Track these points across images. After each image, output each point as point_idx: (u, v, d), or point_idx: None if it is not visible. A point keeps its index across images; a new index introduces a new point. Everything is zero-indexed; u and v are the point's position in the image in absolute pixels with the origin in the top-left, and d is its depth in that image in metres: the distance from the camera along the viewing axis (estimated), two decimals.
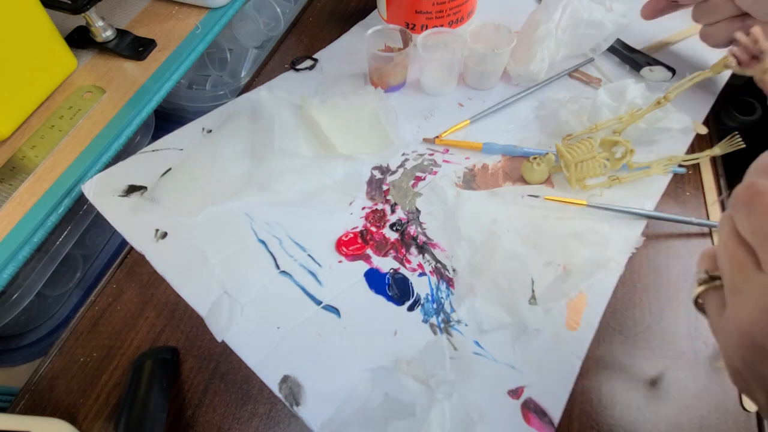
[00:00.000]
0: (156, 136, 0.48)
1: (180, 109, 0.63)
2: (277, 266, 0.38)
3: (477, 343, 0.34)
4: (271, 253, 0.39)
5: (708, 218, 0.41)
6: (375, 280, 0.37)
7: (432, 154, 0.45)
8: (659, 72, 0.50)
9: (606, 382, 0.34)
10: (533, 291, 0.36)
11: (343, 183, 0.43)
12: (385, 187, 0.43)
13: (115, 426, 0.31)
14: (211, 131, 0.47)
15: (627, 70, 0.51)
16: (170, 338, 0.36)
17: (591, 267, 0.37)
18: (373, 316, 0.36)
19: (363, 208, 0.42)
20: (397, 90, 0.51)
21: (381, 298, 0.37)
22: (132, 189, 0.43)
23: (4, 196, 0.41)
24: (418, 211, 0.41)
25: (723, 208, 0.42)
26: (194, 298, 0.37)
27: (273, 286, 0.37)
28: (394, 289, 0.37)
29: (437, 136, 0.46)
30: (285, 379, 0.33)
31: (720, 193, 0.43)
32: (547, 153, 0.42)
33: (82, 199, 0.43)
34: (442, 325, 0.35)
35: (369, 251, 0.39)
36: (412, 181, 0.43)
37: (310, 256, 0.39)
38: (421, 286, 0.37)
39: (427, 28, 0.49)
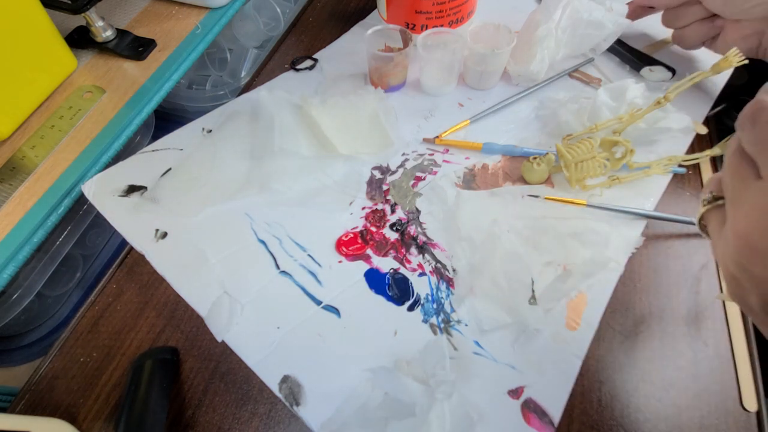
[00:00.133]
0: (156, 136, 0.48)
1: (180, 109, 0.63)
2: (277, 266, 0.38)
3: (477, 343, 0.34)
4: (271, 253, 0.39)
5: None
6: (375, 280, 0.37)
7: (432, 154, 0.45)
8: (659, 72, 0.50)
9: (606, 382, 0.34)
10: (533, 291, 0.35)
11: (343, 183, 0.43)
12: (385, 187, 0.43)
13: (115, 426, 0.31)
14: (211, 131, 0.47)
15: (627, 70, 0.51)
16: (170, 338, 0.36)
17: (591, 267, 0.37)
18: (373, 316, 0.36)
19: (363, 208, 0.42)
20: (397, 90, 0.51)
21: (381, 298, 0.37)
22: (132, 189, 0.43)
23: (4, 196, 0.41)
24: (418, 211, 0.41)
25: None
26: (194, 298, 0.37)
27: (273, 286, 0.37)
28: (394, 289, 0.37)
29: (437, 136, 0.46)
30: (285, 379, 0.33)
31: None
32: (547, 153, 0.42)
33: (82, 199, 0.43)
34: (442, 325, 0.35)
35: (369, 251, 0.39)
36: (412, 181, 0.43)
37: (310, 256, 0.39)
38: (421, 286, 0.37)
39: (427, 28, 0.49)
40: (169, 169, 0.43)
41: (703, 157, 0.42)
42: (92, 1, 0.47)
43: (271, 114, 0.44)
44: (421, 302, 0.36)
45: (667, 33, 0.54)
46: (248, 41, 0.64)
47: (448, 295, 0.37)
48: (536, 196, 0.41)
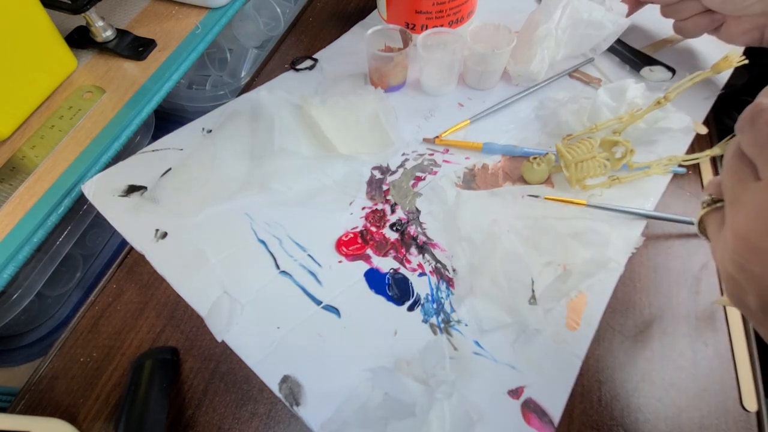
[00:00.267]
0: (156, 136, 0.48)
1: (180, 109, 0.63)
2: (277, 266, 0.38)
3: (477, 343, 0.34)
4: (271, 253, 0.39)
5: None
6: (375, 280, 0.37)
7: (432, 154, 0.45)
8: (659, 72, 0.50)
9: (606, 382, 0.34)
10: (533, 291, 0.35)
11: (343, 183, 0.43)
12: (385, 187, 0.43)
13: (115, 426, 0.31)
14: (211, 131, 0.47)
15: (627, 70, 0.51)
16: (170, 338, 0.36)
17: (591, 267, 0.37)
18: (373, 316, 0.36)
19: (363, 208, 0.42)
20: (397, 90, 0.51)
21: (381, 298, 0.37)
22: (132, 189, 0.43)
23: (4, 196, 0.41)
24: (418, 211, 0.41)
25: None
26: (194, 298, 0.37)
27: (273, 286, 0.37)
28: (394, 289, 0.37)
29: (437, 136, 0.46)
30: (285, 379, 0.33)
31: None
32: (547, 153, 0.42)
33: (82, 199, 0.43)
34: (442, 325, 0.35)
35: (369, 251, 0.39)
36: (412, 181, 0.43)
37: (310, 256, 0.39)
38: (421, 286, 0.37)
39: (427, 28, 0.49)
40: (169, 169, 0.43)
41: (703, 157, 0.42)
42: (92, 1, 0.47)
43: (271, 114, 0.44)
44: (421, 302, 0.36)
45: (667, 33, 0.55)
46: (248, 41, 0.64)
47: (448, 295, 0.37)
48: (536, 196, 0.41)
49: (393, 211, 0.41)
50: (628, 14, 0.49)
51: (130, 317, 0.38)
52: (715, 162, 0.45)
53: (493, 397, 0.32)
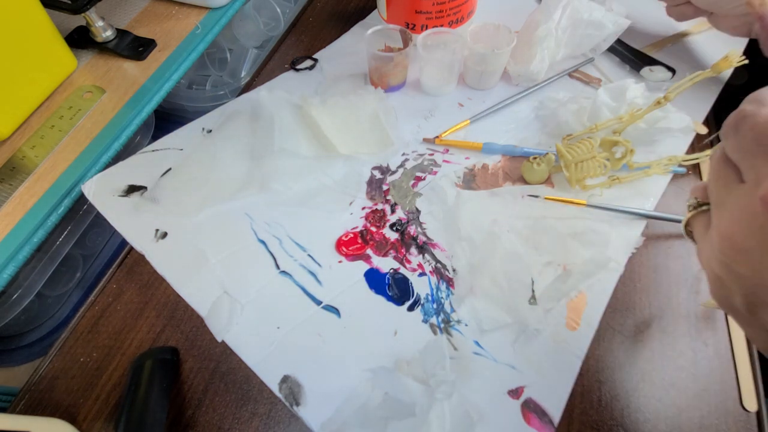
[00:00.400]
0: (156, 136, 0.48)
1: (180, 109, 0.63)
2: (277, 266, 0.38)
3: (477, 343, 0.34)
4: (271, 253, 0.39)
5: None
6: (375, 280, 0.37)
7: (432, 154, 0.45)
8: (659, 72, 0.50)
9: (606, 382, 0.34)
10: (533, 291, 0.36)
11: (343, 183, 0.43)
12: (385, 187, 0.43)
13: (115, 426, 0.31)
14: (211, 131, 0.47)
15: (627, 70, 0.51)
16: (170, 338, 0.36)
17: (591, 267, 0.37)
18: (373, 316, 0.36)
19: (363, 208, 0.42)
20: (397, 90, 0.51)
21: (381, 298, 0.37)
22: (132, 189, 0.43)
23: (4, 196, 0.41)
24: (418, 211, 0.41)
25: None
26: (194, 298, 0.37)
27: (273, 286, 0.37)
28: (394, 289, 0.37)
29: (437, 136, 0.46)
30: (285, 379, 0.33)
31: None
32: (547, 153, 0.42)
33: (82, 199, 0.43)
34: (442, 325, 0.35)
35: (369, 251, 0.39)
36: (412, 181, 0.43)
37: (310, 256, 0.39)
38: (421, 286, 0.37)
39: (427, 28, 0.49)
40: (169, 169, 0.43)
41: (703, 157, 0.42)
42: (92, 1, 0.47)
43: (271, 114, 0.44)
44: (421, 302, 0.36)
45: (667, 33, 0.55)
46: (248, 41, 0.64)
47: (448, 295, 0.37)
48: (536, 196, 0.41)
49: (393, 211, 0.41)
50: None
51: (130, 317, 0.38)
52: None
53: (493, 397, 0.32)
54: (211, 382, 0.34)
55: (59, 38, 0.47)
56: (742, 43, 0.53)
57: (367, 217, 0.41)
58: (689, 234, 0.25)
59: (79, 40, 0.52)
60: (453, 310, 0.36)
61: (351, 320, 0.36)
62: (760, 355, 0.35)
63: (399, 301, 0.36)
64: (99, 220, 0.45)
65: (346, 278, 0.37)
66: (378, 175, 0.44)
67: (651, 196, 0.42)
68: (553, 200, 0.40)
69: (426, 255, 0.39)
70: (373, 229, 0.40)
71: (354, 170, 0.44)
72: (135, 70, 0.51)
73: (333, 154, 0.44)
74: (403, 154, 0.45)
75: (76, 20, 0.51)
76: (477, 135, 0.46)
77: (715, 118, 0.48)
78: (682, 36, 0.54)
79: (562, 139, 0.43)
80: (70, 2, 0.46)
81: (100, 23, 0.51)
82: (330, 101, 0.46)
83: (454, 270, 0.38)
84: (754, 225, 0.18)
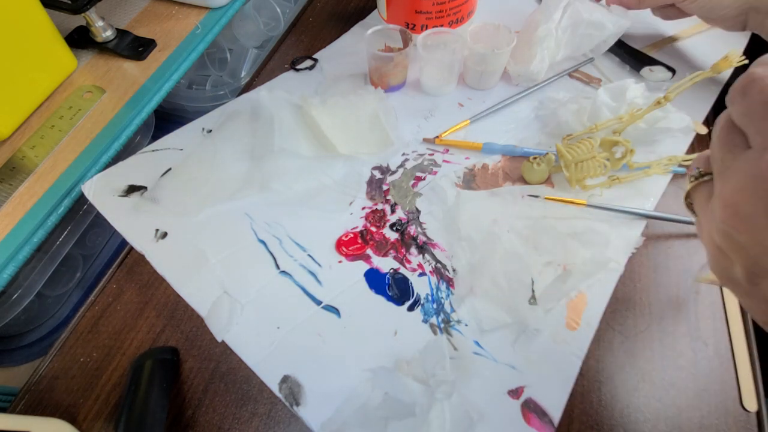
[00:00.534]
0: (156, 136, 0.48)
1: (180, 109, 0.63)
2: (277, 266, 0.38)
3: (477, 343, 0.34)
4: (271, 253, 0.39)
5: None
6: (375, 280, 0.37)
7: (432, 154, 0.45)
8: (659, 72, 0.50)
9: (606, 382, 0.34)
10: (533, 291, 0.36)
11: (343, 183, 0.43)
12: (385, 187, 0.43)
13: (115, 426, 0.31)
14: (211, 131, 0.47)
15: (627, 70, 0.51)
16: (170, 338, 0.36)
17: (591, 267, 0.37)
18: (373, 316, 0.36)
19: (363, 208, 0.42)
20: (397, 90, 0.51)
21: (381, 298, 0.37)
22: (132, 189, 0.43)
23: (4, 196, 0.41)
24: (418, 211, 0.41)
25: None
26: (194, 298, 0.37)
27: (273, 286, 0.37)
28: (394, 289, 0.37)
29: (437, 136, 0.46)
30: (285, 379, 0.33)
31: None
32: (547, 153, 0.42)
33: (82, 199, 0.43)
34: (442, 325, 0.35)
35: (369, 251, 0.39)
36: (412, 181, 0.43)
37: (310, 256, 0.39)
38: (421, 286, 0.37)
39: (427, 28, 0.49)
40: (169, 169, 0.43)
41: None
42: (92, 1, 0.47)
43: (271, 114, 0.44)
44: (421, 302, 0.36)
45: (667, 33, 0.55)
46: (248, 41, 0.64)
47: (448, 295, 0.37)
48: (536, 196, 0.41)
49: (393, 211, 0.41)
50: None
51: (130, 317, 0.38)
52: None
53: (493, 397, 0.32)
54: (211, 382, 0.34)
55: (59, 38, 0.47)
56: (742, 43, 0.53)
57: (367, 217, 0.41)
58: (689, 206, 0.24)
59: (79, 40, 0.52)
60: (453, 310, 0.36)
61: (351, 320, 0.36)
62: (760, 355, 0.35)
63: (399, 301, 0.36)
64: (99, 220, 0.45)
65: (346, 278, 0.37)
66: (378, 175, 0.44)
67: (651, 196, 0.42)
68: (553, 200, 0.40)
69: (426, 255, 0.39)
70: (373, 229, 0.40)
71: (354, 170, 0.44)
72: (135, 70, 0.51)
73: (333, 154, 0.44)
74: (403, 154, 0.45)
75: (76, 20, 0.51)
76: (477, 135, 0.46)
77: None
78: (682, 36, 0.54)
79: (562, 139, 0.43)
80: (70, 2, 0.46)
81: (100, 23, 0.51)
82: (330, 101, 0.46)
83: (454, 270, 0.38)
84: (759, 191, 0.18)
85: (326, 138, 0.44)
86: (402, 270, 0.38)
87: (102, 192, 0.42)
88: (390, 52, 0.49)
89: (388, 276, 0.38)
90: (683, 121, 0.43)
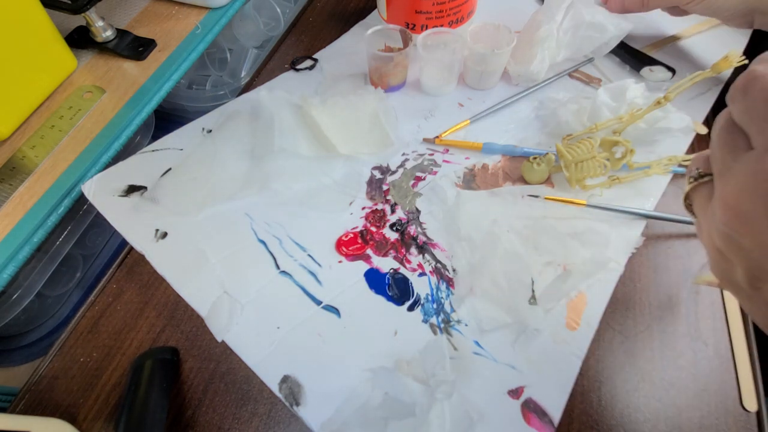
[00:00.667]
0: (156, 136, 0.48)
1: (180, 109, 0.63)
2: (277, 266, 0.38)
3: (477, 343, 0.34)
4: (271, 253, 0.39)
5: None
6: (375, 280, 0.37)
7: (432, 154, 0.45)
8: (659, 72, 0.50)
9: (606, 382, 0.34)
10: (533, 291, 0.36)
11: (343, 183, 0.43)
12: (385, 187, 0.43)
13: (115, 426, 0.31)
14: (211, 131, 0.47)
15: (627, 70, 0.51)
16: (170, 338, 0.36)
17: (591, 267, 0.37)
18: (373, 316, 0.36)
19: (363, 208, 0.42)
20: (397, 90, 0.51)
21: (381, 298, 0.37)
22: (132, 189, 0.43)
23: (4, 196, 0.41)
24: (418, 211, 0.41)
25: None
26: (194, 298, 0.37)
27: (273, 286, 0.37)
28: (394, 289, 0.37)
29: (437, 136, 0.46)
30: (285, 379, 0.33)
31: None
32: (547, 153, 0.42)
33: (82, 199, 0.43)
34: (442, 325, 0.35)
35: (369, 251, 0.39)
36: (412, 181, 0.43)
37: (310, 256, 0.39)
38: (421, 286, 0.37)
39: (427, 28, 0.49)
40: (169, 169, 0.43)
41: None
42: (92, 1, 0.47)
43: (271, 114, 0.44)
44: (421, 302, 0.36)
45: (667, 33, 0.55)
46: (248, 41, 0.64)
47: (448, 295, 0.37)
48: (536, 196, 0.41)
49: (393, 211, 0.41)
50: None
51: (130, 317, 0.38)
52: None
53: (493, 397, 0.32)
54: (211, 382, 0.34)
55: (59, 38, 0.47)
56: (742, 43, 0.53)
57: (367, 217, 0.41)
58: (689, 207, 0.23)
59: (79, 40, 0.52)
60: (453, 310, 0.36)
61: (351, 320, 0.36)
62: (760, 355, 0.35)
63: (399, 301, 0.36)
64: (99, 220, 0.45)
65: (346, 278, 0.37)
66: (378, 175, 0.44)
67: (651, 196, 0.42)
68: (553, 200, 0.40)
69: (426, 255, 0.39)
70: (373, 229, 0.40)
71: (354, 170, 0.44)
72: (135, 70, 0.51)
73: (333, 154, 0.44)
74: (403, 154, 0.45)
75: (76, 20, 0.51)
76: (477, 135, 0.46)
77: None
78: (682, 36, 0.54)
79: (562, 139, 0.43)
80: (70, 2, 0.46)
81: (100, 23, 0.51)
82: (330, 101, 0.46)
83: (454, 270, 0.38)
84: (761, 192, 0.17)
85: (326, 138, 0.44)
86: (402, 270, 0.38)
87: (102, 192, 0.42)
88: (390, 52, 0.49)
89: (388, 276, 0.38)
90: (683, 121, 0.43)
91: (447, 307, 0.36)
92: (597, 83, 0.50)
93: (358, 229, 0.40)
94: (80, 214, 0.49)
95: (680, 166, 0.43)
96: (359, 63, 0.53)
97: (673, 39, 0.54)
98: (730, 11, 0.44)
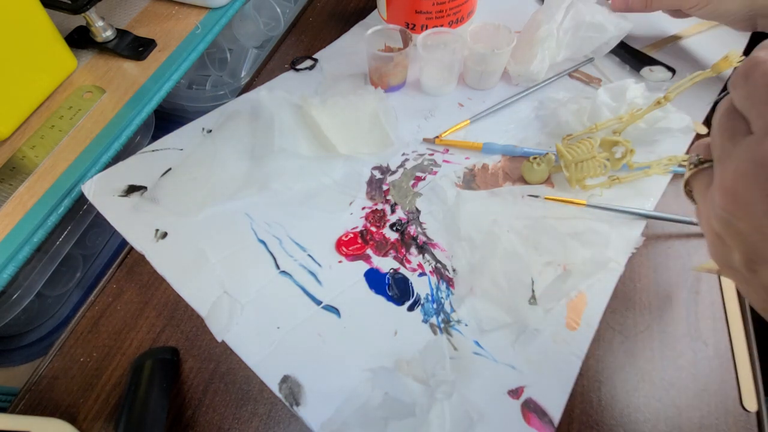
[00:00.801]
0: (156, 136, 0.48)
1: (180, 109, 0.63)
2: (277, 266, 0.38)
3: (477, 343, 0.34)
4: (271, 253, 0.39)
5: None
6: (375, 280, 0.37)
7: (432, 154, 0.45)
8: (659, 72, 0.50)
9: (606, 382, 0.34)
10: (533, 291, 0.36)
11: (343, 183, 0.43)
12: (385, 187, 0.43)
13: (115, 426, 0.31)
14: (211, 131, 0.47)
15: (627, 70, 0.51)
16: (170, 338, 0.36)
17: (591, 267, 0.37)
18: (373, 316, 0.36)
19: (363, 208, 0.42)
20: (397, 90, 0.51)
21: (381, 298, 0.37)
22: (132, 189, 0.43)
23: (4, 196, 0.41)
24: (418, 211, 0.41)
25: None
26: (194, 298, 0.37)
27: (273, 286, 0.37)
28: (394, 289, 0.37)
29: (437, 136, 0.46)
30: (285, 379, 0.33)
31: None
32: (547, 153, 0.42)
33: (82, 199, 0.43)
34: (442, 325, 0.35)
35: (369, 251, 0.39)
36: (412, 181, 0.43)
37: (310, 256, 0.39)
38: (421, 286, 0.37)
39: (427, 28, 0.49)
40: (169, 169, 0.43)
41: None
42: (92, 1, 0.47)
43: (271, 114, 0.44)
44: (421, 302, 0.36)
45: (667, 33, 0.55)
46: (248, 41, 0.64)
47: (448, 295, 0.37)
48: (536, 196, 0.41)
49: (393, 211, 0.41)
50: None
51: (130, 317, 0.38)
52: None
53: (493, 397, 0.32)
54: (211, 382, 0.34)
55: (59, 38, 0.47)
56: (742, 43, 0.53)
57: (367, 217, 0.41)
58: (688, 193, 0.24)
59: (79, 40, 0.52)
60: (453, 310, 0.36)
61: (351, 320, 0.36)
62: (760, 355, 0.35)
63: (399, 301, 0.36)
64: (99, 220, 0.45)
65: (346, 278, 0.37)
66: (378, 175, 0.44)
67: (651, 196, 0.42)
68: (553, 200, 0.40)
69: (426, 255, 0.39)
70: (373, 229, 0.40)
71: (354, 170, 0.44)
72: (135, 70, 0.51)
73: (333, 154, 0.44)
74: (403, 154, 0.45)
75: (76, 20, 0.51)
76: (477, 135, 0.46)
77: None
78: (682, 36, 0.54)
79: (562, 139, 0.43)
80: (70, 2, 0.46)
81: (100, 23, 0.51)
82: (330, 101, 0.46)
83: (454, 270, 0.38)
84: (759, 178, 0.17)
85: (326, 138, 0.44)
86: (402, 270, 0.38)
87: (102, 192, 0.42)
88: (390, 52, 0.49)
89: (388, 276, 0.38)
90: (683, 121, 0.43)
91: (447, 307, 0.36)
92: (597, 83, 0.50)
93: (358, 229, 0.40)
94: (80, 214, 0.49)
95: (680, 166, 0.42)
96: (359, 63, 0.53)
97: (673, 39, 0.54)
98: (733, 15, 0.44)
